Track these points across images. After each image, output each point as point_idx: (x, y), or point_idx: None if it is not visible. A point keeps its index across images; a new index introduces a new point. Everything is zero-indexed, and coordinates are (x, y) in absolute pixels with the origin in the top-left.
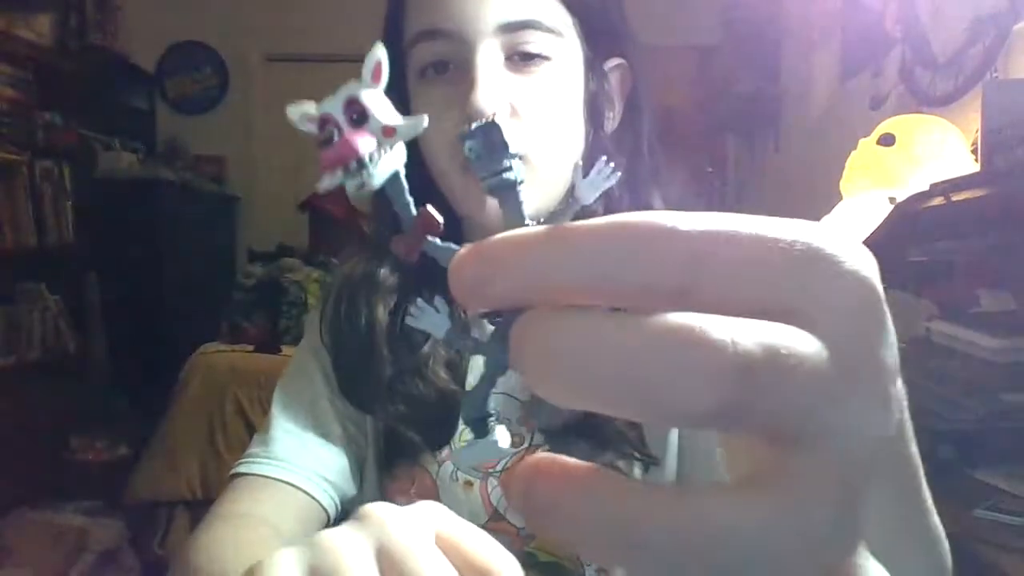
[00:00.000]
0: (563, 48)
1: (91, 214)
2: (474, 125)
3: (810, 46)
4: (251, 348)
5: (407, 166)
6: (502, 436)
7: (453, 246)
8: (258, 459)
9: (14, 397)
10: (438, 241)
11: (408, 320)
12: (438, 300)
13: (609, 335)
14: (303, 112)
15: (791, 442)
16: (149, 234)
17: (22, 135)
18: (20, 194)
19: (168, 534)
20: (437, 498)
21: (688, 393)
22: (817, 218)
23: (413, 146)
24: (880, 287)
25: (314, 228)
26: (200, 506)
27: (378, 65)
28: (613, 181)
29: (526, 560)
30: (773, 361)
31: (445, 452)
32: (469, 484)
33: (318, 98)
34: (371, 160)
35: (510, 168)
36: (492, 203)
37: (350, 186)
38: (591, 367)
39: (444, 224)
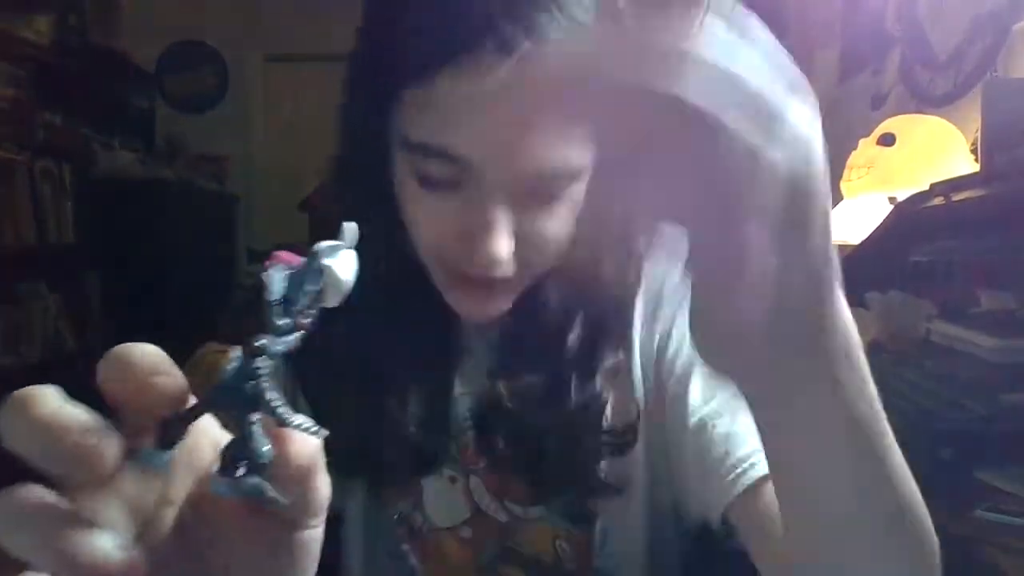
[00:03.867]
0: (580, 179)
1: (91, 214)
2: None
3: (810, 46)
4: None
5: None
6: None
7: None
8: None
9: None
10: None
11: None
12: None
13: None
14: None
15: None
16: (149, 234)
17: (22, 135)
18: (20, 194)
19: None
20: (420, 488)
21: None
22: None
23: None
24: None
25: (314, 228)
26: None
27: None
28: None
29: (508, 556)
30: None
31: None
32: (453, 479)
33: (317, 98)
34: None
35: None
36: (484, 309)
37: None
38: None
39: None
